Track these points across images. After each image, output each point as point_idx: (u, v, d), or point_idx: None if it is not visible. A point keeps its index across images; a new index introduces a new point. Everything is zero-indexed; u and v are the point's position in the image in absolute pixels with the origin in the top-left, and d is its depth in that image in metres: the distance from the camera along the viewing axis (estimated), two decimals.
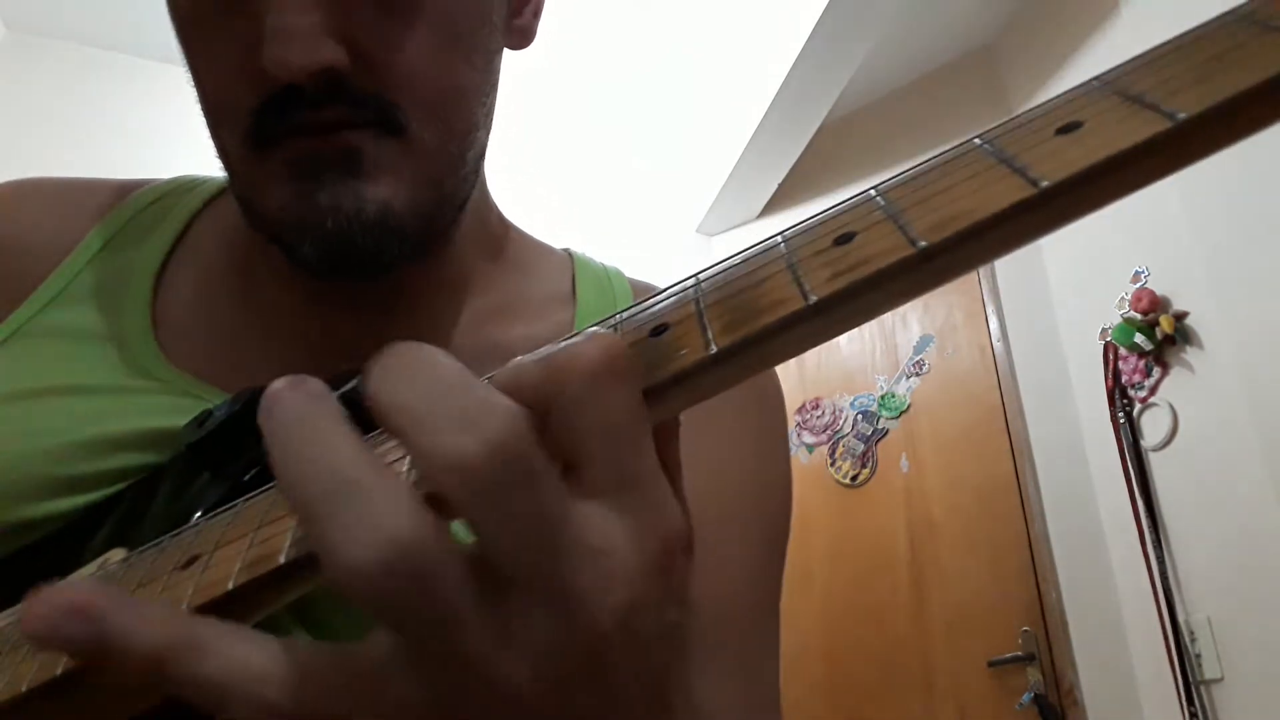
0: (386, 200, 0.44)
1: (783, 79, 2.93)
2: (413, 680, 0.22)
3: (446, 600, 0.21)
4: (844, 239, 0.22)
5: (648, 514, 0.22)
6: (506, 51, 0.56)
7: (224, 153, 0.47)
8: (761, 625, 0.53)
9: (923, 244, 0.21)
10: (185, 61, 0.47)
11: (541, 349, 0.23)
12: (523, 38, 0.55)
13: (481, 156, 0.52)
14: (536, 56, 3.42)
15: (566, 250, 0.64)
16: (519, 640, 0.21)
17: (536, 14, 0.56)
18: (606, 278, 0.61)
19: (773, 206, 3.61)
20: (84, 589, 0.22)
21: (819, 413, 3.32)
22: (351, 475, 0.21)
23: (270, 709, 0.21)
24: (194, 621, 0.22)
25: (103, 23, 3.03)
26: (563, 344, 0.23)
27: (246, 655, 0.22)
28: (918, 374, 3.13)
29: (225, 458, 0.42)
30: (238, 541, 0.31)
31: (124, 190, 0.58)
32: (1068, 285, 2.89)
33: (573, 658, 0.21)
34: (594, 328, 0.26)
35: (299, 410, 0.23)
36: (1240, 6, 0.20)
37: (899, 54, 3.29)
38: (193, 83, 0.47)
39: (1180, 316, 2.36)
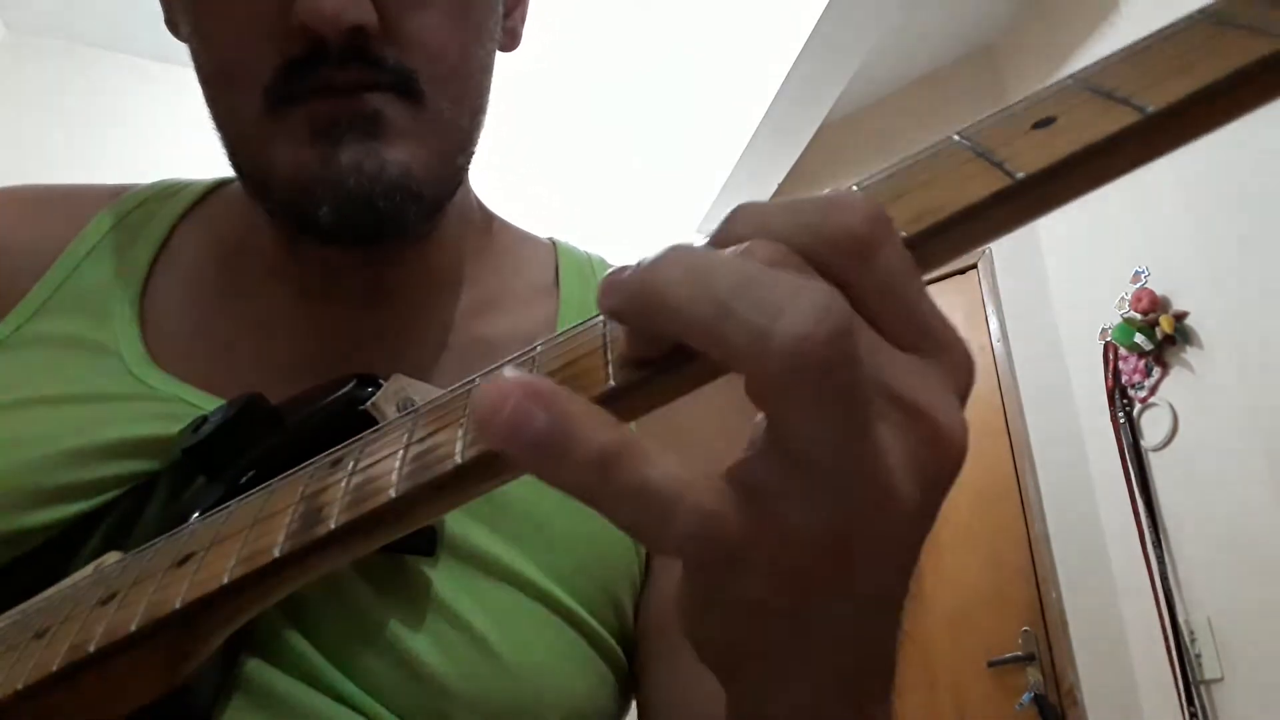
0: (407, 163, 0.45)
1: (783, 79, 2.93)
2: (814, 494, 0.21)
3: (862, 383, 0.20)
4: None
5: (946, 353, 0.23)
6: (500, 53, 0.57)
7: (232, 119, 0.47)
8: None
9: (901, 235, 0.21)
10: (192, 25, 0.47)
11: (795, 203, 0.23)
12: (511, 39, 0.57)
13: (476, 142, 0.53)
14: (537, 57, 3.42)
15: (550, 239, 0.64)
16: (896, 447, 0.21)
17: (523, 19, 0.58)
18: (589, 266, 0.61)
19: None
20: (537, 377, 0.21)
21: None
22: (749, 268, 0.20)
23: (709, 520, 0.21)
24: (628, 428, 0.21)
25: (103, 23, 3.03)
26: (819, 202, 0.22)
27: (675, 463, 0.21)
28: None
29: (221, 463, 0.42)
30: (232, 539, 0.31)
31: (105, 196, 0.57)
32: (1067, 285, 2.89)
33: (939, 483, 0.22)
34: (853, 189, 0.25)
35: (672, 247, 0.22)
36: (1209, 5, 0.21)
37: (899, 54, 3.29)
38: (199, 47, 0.47)
39: (1180, 316, 2.36)
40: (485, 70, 0.50)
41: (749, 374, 0.20)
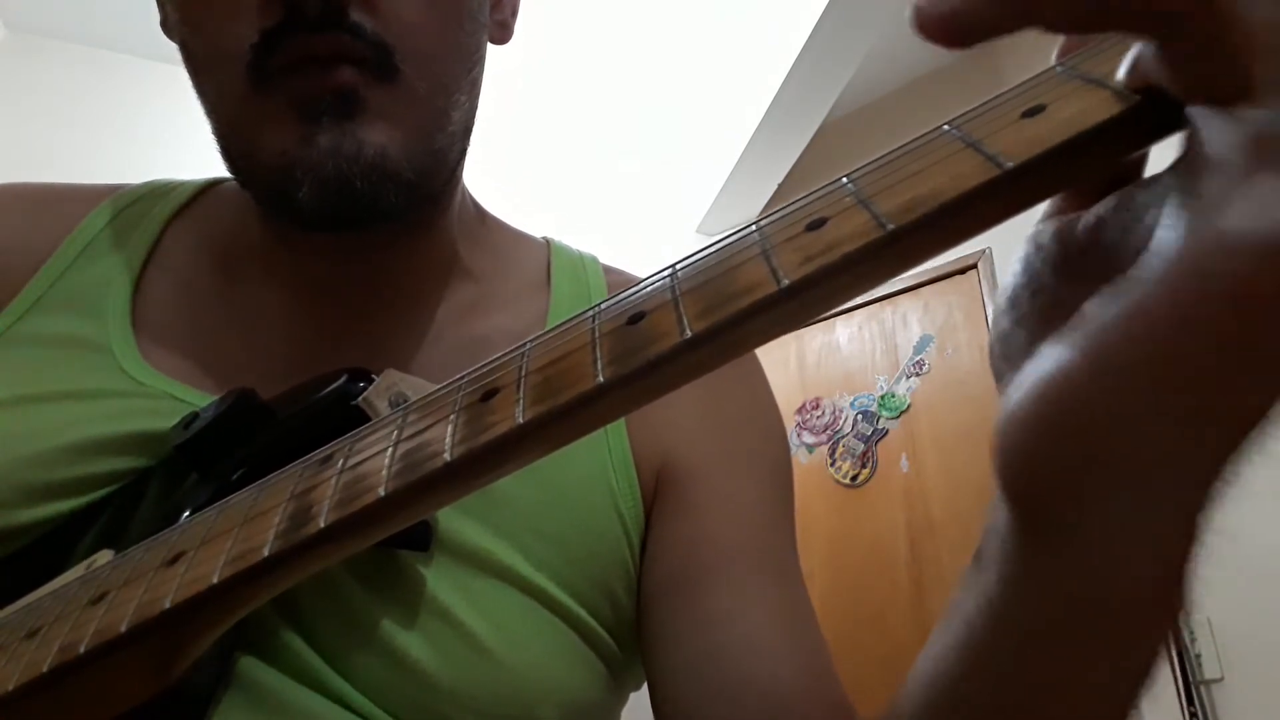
0: (383, 144, 0.45)
1: (783, 79, 2.93)
2: None
3: None
4: (815, 224, 0.23)
5: None
6: (497, 49, 0.57)
7: (220, 103, 0.47)
8: (791, 559, 0.54)
9: (891, 226, 0.21)
10: (179, 14, 0.48)
11: None
12: (502, 30, 0.57)
13: (466, 133, 0.53)
14: (536, 56, 3.39)
15: (545, 238, 0.64)
16: None
17: (514, 13, 0.59)
18: (581, 264, 0.61)
19: (772, 207, 3.60)
20: None
21: (819, 413, 3.32)
22: None
23: None
24: None
25: (103, 23, 3.03)
26: None
27: None
28: (918, 374, 3.13)
29: (213, 459, 0.42)
30: (222, 538, 0.31)
31: (98, 195, 0.58)
32: None
33: None
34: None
35: None
36: None
37: (899, 54, 3.29)
38: (186, 36, 0.48)
39: None
40: (466, 54, 0.50)
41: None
